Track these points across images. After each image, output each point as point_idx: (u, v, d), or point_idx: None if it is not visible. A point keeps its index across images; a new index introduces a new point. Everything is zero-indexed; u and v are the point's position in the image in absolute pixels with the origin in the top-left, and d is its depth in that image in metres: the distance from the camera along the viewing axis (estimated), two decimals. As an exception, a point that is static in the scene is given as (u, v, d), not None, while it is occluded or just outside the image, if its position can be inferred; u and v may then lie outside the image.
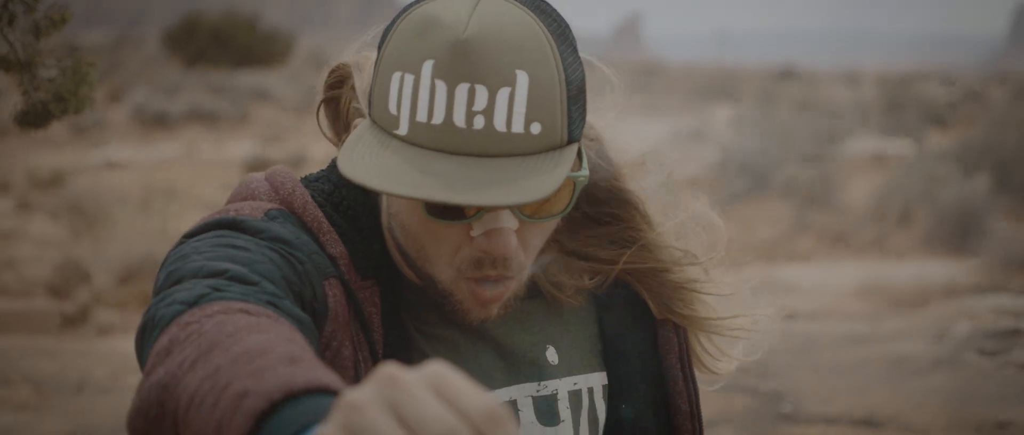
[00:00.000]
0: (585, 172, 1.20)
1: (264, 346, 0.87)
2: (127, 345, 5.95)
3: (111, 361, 5.65)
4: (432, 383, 0.69)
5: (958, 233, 9.06)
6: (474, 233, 1.18)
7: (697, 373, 1.46)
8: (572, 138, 1.16)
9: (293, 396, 0.79)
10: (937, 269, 8.23)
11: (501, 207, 1.13)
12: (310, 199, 1.26)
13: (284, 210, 1.25)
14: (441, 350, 1.28)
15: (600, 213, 1.38)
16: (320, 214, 1.25)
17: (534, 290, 1.36)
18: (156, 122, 18.34)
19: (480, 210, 1.16)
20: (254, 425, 0.79)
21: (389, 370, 0.69)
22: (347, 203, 1.28)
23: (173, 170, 13.50)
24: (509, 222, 1.17)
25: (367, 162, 1.13)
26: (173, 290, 1.04)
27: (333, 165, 1.33)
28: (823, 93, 23.25)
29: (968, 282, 7.70)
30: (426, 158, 1.12)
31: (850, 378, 5.22)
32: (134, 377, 5.17)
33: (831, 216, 10.45)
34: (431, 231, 1.19)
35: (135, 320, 6.67)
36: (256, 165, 12.20)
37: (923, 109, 19.35)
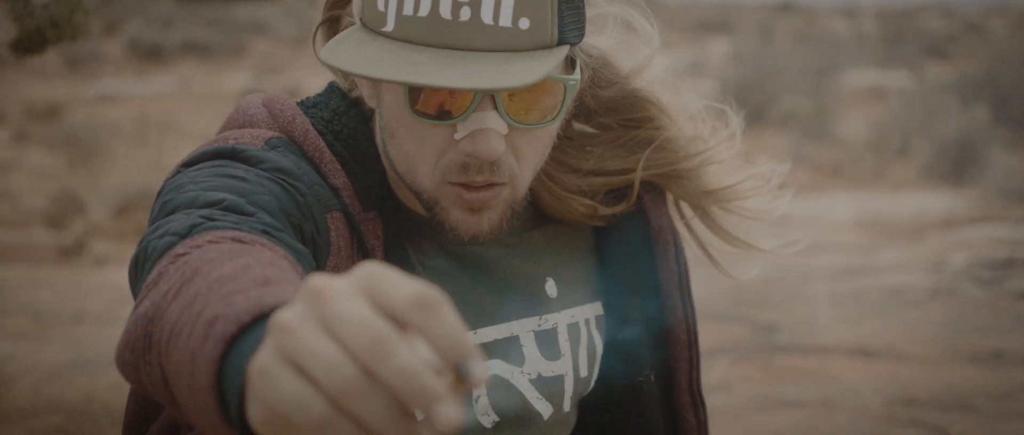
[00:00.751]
0: (576, 77, 1.18)
1: (240, 270, 0.83)
2: (123, 276, 5.95)
3: (108, 292, 5.66)
4: (360, 286, 0.65)
5: (956, 165, 9.05)
6: (458, 135, 1.15)
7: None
8: (563, 39, 1.14)
9: (263, 317, 0.75)
10: (934, 201, 8.24)
11: (480, 90, 1.09)
12: (311, 127, 1.23)
13: (284, 139, 1.21)
14: (441, 282, 1.26)
15: (616, 122, 1.35)
16: (321, 143, 1.22)
17: (536, 221, 1.35)
18: (151, 55, 18.22)
19: (466, 111, 1.13)
20: (225, 350, 0.75)
21: (314, 282, 0.65)
22: (347, 131, 1.25)
23: (169, 103, 13.45)
24: (496, 124, 1.15)
25: (350, 54, 1.11)
26: (166, 221, 1.01)
27: (329, 90, 1.30)
28: (822, 25, 23.11)
29: (965, 213, 7.71)
30: (410, 51, 1.10)
31: (846, 309, 5.24)
32: (130, 308, 5.18)
33: (829, 148, 10.43)
34: (416, 134, 1.17)
35: (131, 251, 6.68)
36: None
37: (923, 41, 19.25)
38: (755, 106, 11.90)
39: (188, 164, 1.16)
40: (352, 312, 0.64)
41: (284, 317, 0.65)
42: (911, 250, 6.53)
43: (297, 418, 0.63)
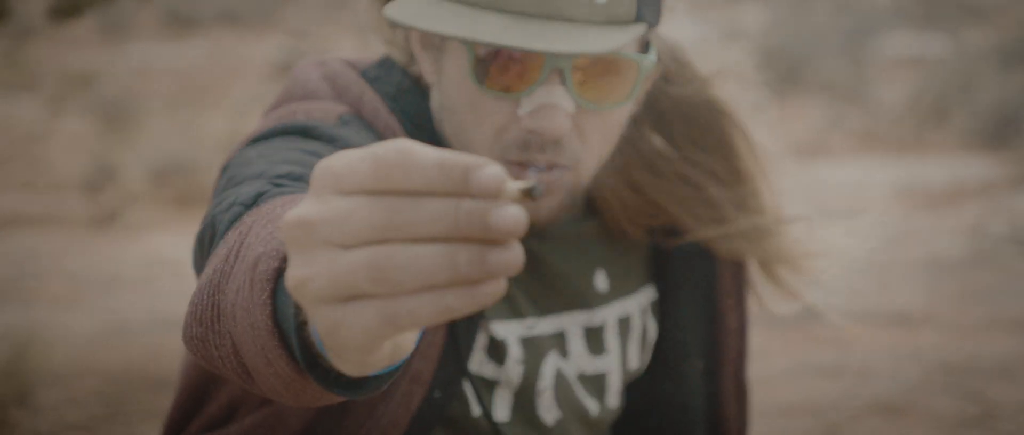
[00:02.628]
0: (652, 58, 1.12)
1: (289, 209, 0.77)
2: (158, 244, 5.99)
3: (142, 259, 5.69)
4: (333, 189, 0.59)
5: (996, 131, 8.94)
6: (522, 110, 1.09)
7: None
8: (640, 17, 1.08)
9: None
10: (974, 167, 8.14)
11: (550, 53, 1.05)
12: (382, 105, 1.17)
13: (355, 116, 1.15)
14: None
15: (695, 149, 1.25)
16: (394, 123, 1.16)
17: (589, 212, 1.29)
18: (185, 23, 18.27)
19: (532, 84, 1.08)
20: (274, 288, 0.70)
21: (287, 221, 0.59)
22: (413, 109, 1.19)
23: (202, 71, 13.47)
24: (562, 101, 1.08)
25: (414, 11, 1.06)
26: (230, 192, 0.96)
27: (387, 64, 1.23)
28: (858, -10, 22.83)
29: (1005, 180, 7.62)
30: (479, 12, 1.05)
31: (883, 276, 5.19)
32: (166, 274, 5.21)
33: (866, 115, 10.33)
34: (477, 108, 1.11)
35: (165, 219, 6.71)
36: (283, 67, 12.12)
37: (962, 4, 19.00)
38: (791, 72, 11.79)
39: (256, 140, 1.11)
40: (345, 211, 0.57)
41: (291, 277, 0.59)
42: (950, 217, 6.46)
43: (389, 333, 0.58)
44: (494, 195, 0.56)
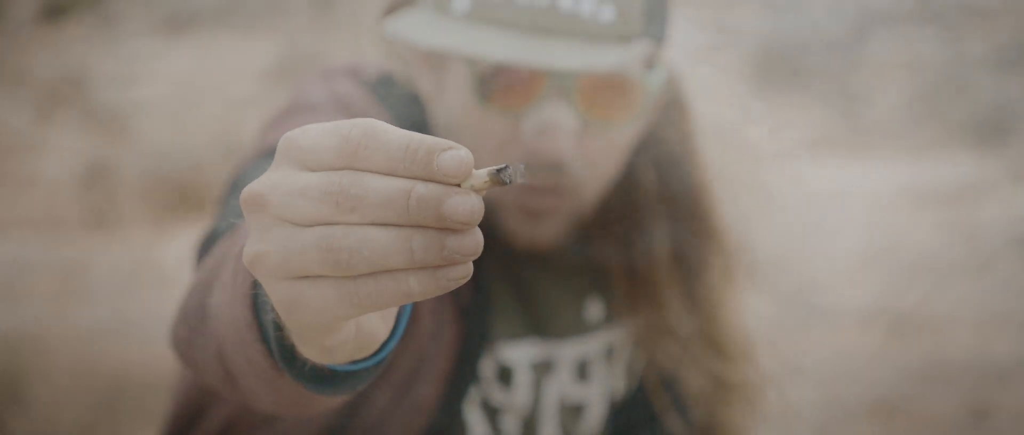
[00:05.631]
0: (661, 76, 1.09)
1: None
2: (151, 245, 5.97)
3: (136, 260, 5.68)
4: (294, 162, 0.57)
5: (995, 130, 8.95)
6: (525, 128, 1.06)
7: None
8: (646, 33, 1.06)
9: None
10: (972, 167, 8.15)
11: (553, 70, 1.03)
12: (389, 119, 1.13)
13: None
14: (475, 297, 1.18)
15: (665, 213, 1.22)
16: None
17: (586, 235, 1.25)
18: (181, 23, 18.25)
19: (535, 102, 1.05)
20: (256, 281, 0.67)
21: (246, 197, 0.57)
22: (419, 123, 1.16)
23: (196, 72, 13.46)
24: (566, 119, 1.05)
25: (415, 27, 1.04)
26: (232, 201, 0.96)
27: (386, 80, 1.21)
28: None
29: (1003, 180, 7.62)
30: (481, 30, 1.03)
31: (878, 277, 5.19)
32: (159, 276, 5.18)
33: (863, 114, 10.34)
34: (478, 126, 1.08)
35: (159, 220, 6.68)
36: (278, 67, 12.10)
37: (960, 3, 19.02)
38: (787, 72, 11.79)
39: (265, 155, 1.08)
40: (299, 188, 0.55)
41: (246, 252, 0.58)
42: (948, 217, 6.47)
43: (348, 313, 0.56)
44: (459, 179, 0.54)
